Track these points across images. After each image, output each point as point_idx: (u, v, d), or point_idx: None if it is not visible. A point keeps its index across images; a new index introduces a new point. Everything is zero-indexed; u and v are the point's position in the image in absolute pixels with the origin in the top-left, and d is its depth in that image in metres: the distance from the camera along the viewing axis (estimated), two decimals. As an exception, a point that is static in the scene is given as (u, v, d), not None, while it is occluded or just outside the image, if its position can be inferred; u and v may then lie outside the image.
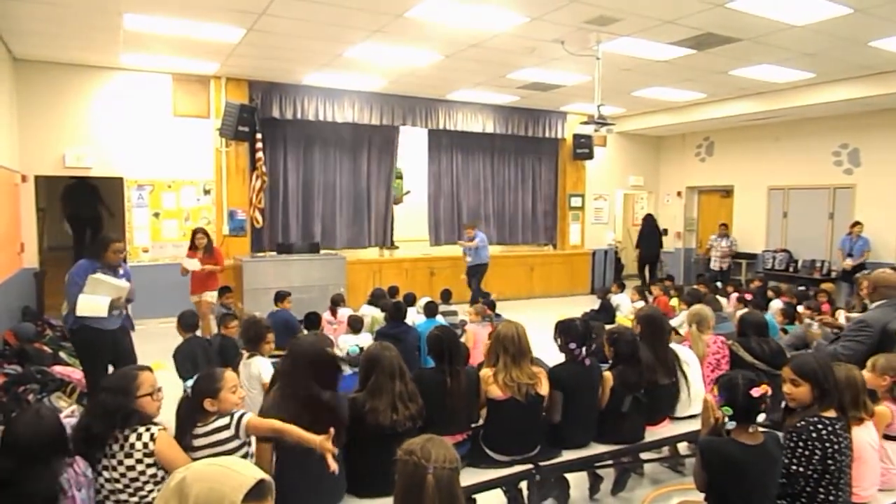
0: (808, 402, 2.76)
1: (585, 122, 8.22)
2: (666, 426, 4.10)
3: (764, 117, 11.42)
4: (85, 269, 4.69)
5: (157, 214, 9.59)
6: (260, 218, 10.09)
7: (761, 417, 2.85)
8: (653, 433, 3.98)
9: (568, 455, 3.63)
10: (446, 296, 8.27)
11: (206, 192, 9.87)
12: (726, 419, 2.62)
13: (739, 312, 5.84)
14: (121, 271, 4.88)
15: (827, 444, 2.66)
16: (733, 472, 2.56)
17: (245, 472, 1.38)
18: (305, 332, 5.90)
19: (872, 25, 6.84)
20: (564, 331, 3.69)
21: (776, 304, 7.91)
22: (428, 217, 12.15)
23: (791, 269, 11.71)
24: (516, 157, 13.06)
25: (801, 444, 2.67)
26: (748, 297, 8.24)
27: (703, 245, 13.53)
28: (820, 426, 2.69)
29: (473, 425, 3.51)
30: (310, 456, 2.62)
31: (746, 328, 4.35)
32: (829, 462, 2.65)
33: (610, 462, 3.98)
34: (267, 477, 1.42)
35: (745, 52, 7.86)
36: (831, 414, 2.76)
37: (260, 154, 9.98)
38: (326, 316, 7.10)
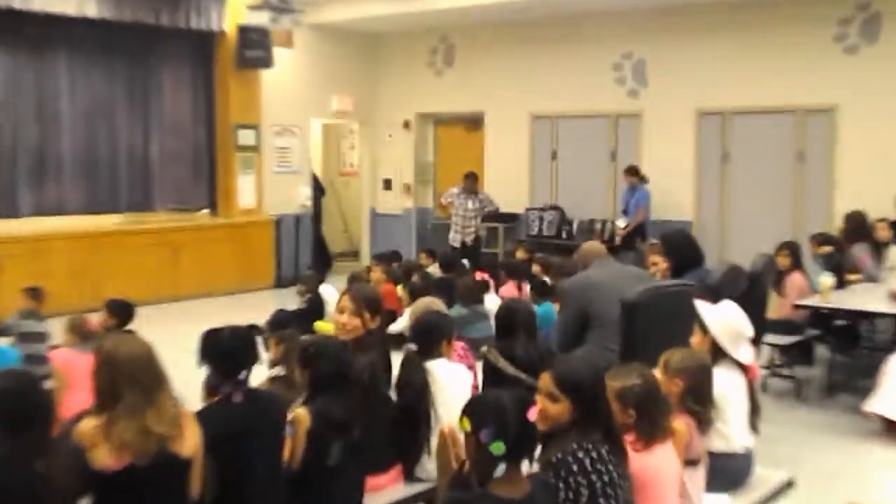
0: (566, 423, 3.00)
1: (255, 6, 8.28)
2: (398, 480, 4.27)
3: (523, 13, 11.62)
4: None
5: None
6: None
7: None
8: (377, 495, 4.08)
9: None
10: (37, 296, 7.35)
11: None
12: (497, 461, 2.71)
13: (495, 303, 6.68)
14: None
15: (594, 477, 2.91)
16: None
17: None
18: None
19: None
20: (213, 348, 3.64)
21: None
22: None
23: (564, 235, 11.75)
24: (136, 62, 11.84)
25: (562, 483, 2.88)
26: (485, 276, 8.68)
27: (443, 206, 13.02)
28: (580, 454, 2.92)
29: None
30: None
31: (510, 326, 4.62)
32: (601, 500, 2.90)
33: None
34: None
35: None
36: (595, 436, 3.01)
37: None
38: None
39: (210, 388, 3.79)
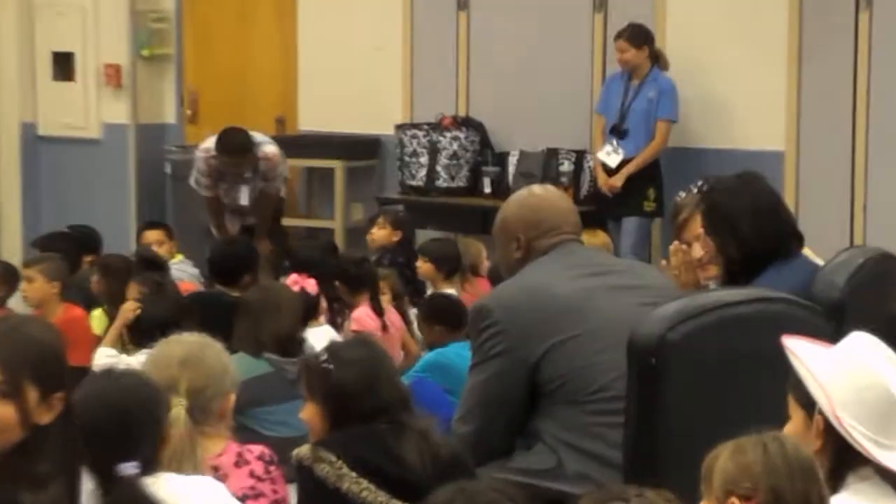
0: None
1: None
2: None
3: None
4: None
5: None
6: None
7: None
8: None
9: None
10: None
11: None
12: None
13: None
14: None
15: None
16: None
17: None
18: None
19: None
20: None
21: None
22: None
23: (486, 186, 10.25)
24: None
25: None
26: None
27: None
28: None
29: None
30: None
31: (361, 395, 3.88)
32: None
33: None
34: None
35: None
36: None
37: None
38: None
39: None
